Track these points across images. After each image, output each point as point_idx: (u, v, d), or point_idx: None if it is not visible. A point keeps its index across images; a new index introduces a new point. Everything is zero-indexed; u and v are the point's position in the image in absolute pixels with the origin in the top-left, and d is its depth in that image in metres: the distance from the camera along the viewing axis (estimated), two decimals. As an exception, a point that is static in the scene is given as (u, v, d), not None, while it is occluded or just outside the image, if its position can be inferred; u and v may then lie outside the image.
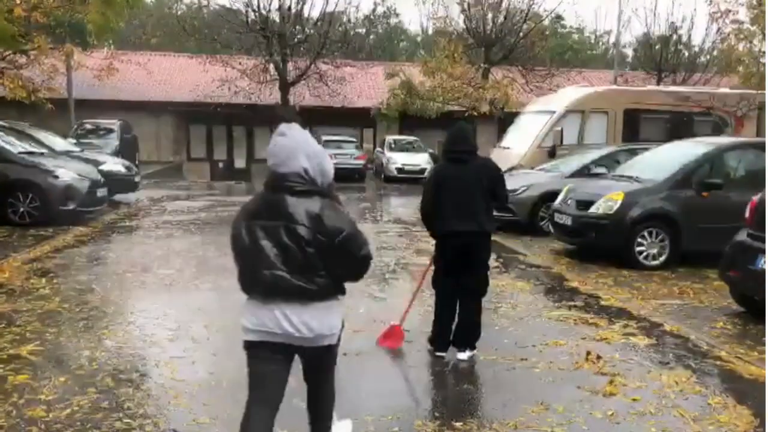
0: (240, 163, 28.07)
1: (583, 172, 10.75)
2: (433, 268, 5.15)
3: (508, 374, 4.64)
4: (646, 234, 8.17)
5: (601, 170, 10.61)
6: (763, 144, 8.53)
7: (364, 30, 40.66)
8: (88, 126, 18.97)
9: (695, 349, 5.25)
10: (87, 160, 12.57)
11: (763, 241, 5.69)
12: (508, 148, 14.56)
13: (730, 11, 23.85)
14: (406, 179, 21.42)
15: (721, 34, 24.75)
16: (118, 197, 13.81)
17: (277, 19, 24.14)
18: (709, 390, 4.38)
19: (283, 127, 2.93)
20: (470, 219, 4.77)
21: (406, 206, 15.79)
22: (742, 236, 6.05)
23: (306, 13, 24.24)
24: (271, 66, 23.69)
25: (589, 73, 26.14)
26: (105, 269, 7.69)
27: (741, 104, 13.48)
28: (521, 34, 23.94)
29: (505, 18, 24.04)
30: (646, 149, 10.51)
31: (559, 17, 36.23)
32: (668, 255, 8.20)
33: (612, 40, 44.64)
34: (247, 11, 23.61)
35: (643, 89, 16.60)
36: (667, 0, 49.07)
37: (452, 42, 22.32)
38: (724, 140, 9.13)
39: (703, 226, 8.09)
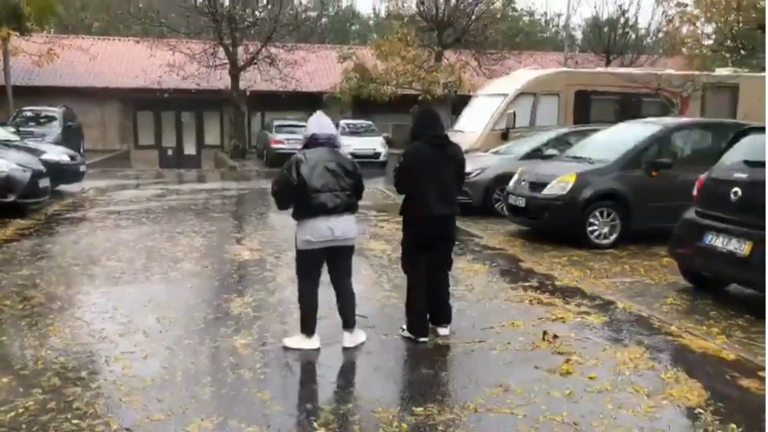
0: (190, 149, 27.45)
1: (536, 155, 10.86)
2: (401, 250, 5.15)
3: (466, 357, 4.65)
4: (597, 214, 8.33)
5: (553, 152, 10.73)
6: (708, 124, 8.77)
7: (315, 13, 40.14)
8: (28, 113, 18.19)
9: (647, 325, 5.37)
10: (28, 150, 12.02)
11: (711, 219, 5.84)
12: (461, 131, 14.59)
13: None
14: (360, 163, 21.14)
15: (667, 16, 25.55)
16: (62, 188, 13.29)
17: (227, 2, 23.56)
18: (661, 365, 4.49)
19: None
20: (450, 202, 4.92)
21: (361, 191, 15.72)
22: (690, 214, 6.20)
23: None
24: (221, 50, 23.12)
25: (540, 55, 26.45)
26: (49, 263, 7.38)
27: (687, 85, 13.83)
28: (473, 16, 23.98)
29: (457, 0, 24.04)
30: (596, 131, 10.70)
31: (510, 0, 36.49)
32: (619, 234, 8.38)
33: (562, 23, 45.30)
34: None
35: (593, 71, 16.88)
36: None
37: (405, 25, 22.20)
38: (672, 121, 9.35)
39: (652, 205, 8.29)
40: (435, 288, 5.02)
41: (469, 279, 6.79)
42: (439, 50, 23.36)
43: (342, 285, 4.90)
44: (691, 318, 5.56)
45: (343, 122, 23.31)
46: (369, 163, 21.15)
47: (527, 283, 6.66)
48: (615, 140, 9.04)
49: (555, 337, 4.99)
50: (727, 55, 24.67)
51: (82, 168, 13.98)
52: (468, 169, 10.67)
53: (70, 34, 27.14)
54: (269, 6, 24.11)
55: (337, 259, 4.81)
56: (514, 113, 13.49)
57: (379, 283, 6.61)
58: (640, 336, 5.10)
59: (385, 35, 22.50)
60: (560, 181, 8.45)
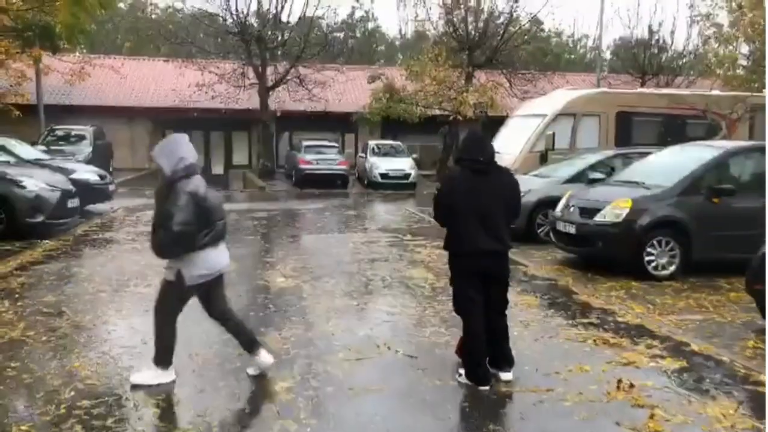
0: (218, 169, 27.31)
1: (580, 178, 10.34)
2: (452, 291, 4.65)
3: (536, 410, 4.12)
4: (655, 243, 7.76)
5: (599, 176, 10.20)
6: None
7: (342, 34, 40.21)
8: (59, 132, 18.19)
9: (732, 373, 4.80)
10: (57, 169, 11.82)
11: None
12: (498, 153, 14.05)
13: (710, 14, 24.02)
14: (390, 185, 20.92)
15: (702, 37, 24.89)
16: (90, 208, 13.06)
17: (255, 23, 23.52)
18: (763, 424, 3.92)
19: None
20: (495, 237, 4.36)
21: (392, 213, 15.29)
22: (770, 247, 5.63)
23: (284, 18, 23.67)
24: (250, 70, 23.03)
25: (572, 76, 25.93)
26: (76, 288, 7.02)
27: (736, 107, 13.23)
28: (504, 36, 23.62)
29: (486, 21, 23.71)
30: (643, 154, 10.19)
31: (538, 21, 36.17)
32: (678, 264, 7.80)
33: (590, 43, 44.81)
34: (224, 15, 22.98)
35: (636, 92, 16.34)
36: (649, 2, 49.51)
37: (436, 45, 21.90)
38: (731, 144, 8.77)
39: (714, 233, 7.73)
40: (493, 333, 4.52)
41: (522, 314, 6.26)
42: (470, 71, 22.99)
43: (231, 311, 4.67)
44: (780, 365, 4.97)
45: (372, 143, 23.02)
46: (399, 184, 20.81)
47: (586, 320, 6.12)
48: (670, 164, 8.49)
49: (631, 385, 4.45)
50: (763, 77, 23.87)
51: (111, 187, 13.76)
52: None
53: (100, 54, 27.36)
54: (297, 27, 24.02)
55: (218, 287, 4.52)
56: (554, 134, 13.00)
57: (425, 317, 6.11)
58: (728, 386, 4.54)
59: (416, 55, 22.20)
60: (614, 207, 7.91)
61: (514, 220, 4.71)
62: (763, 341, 5.54)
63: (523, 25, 24.65)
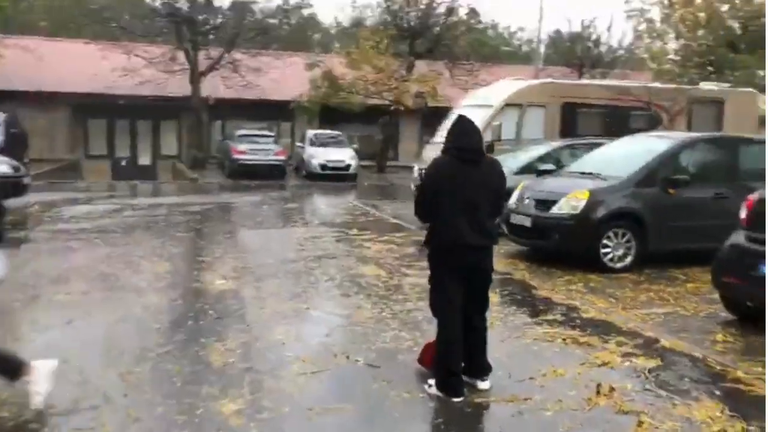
0: (145, 160, 25.90)
1: (529, 169, 10.13)
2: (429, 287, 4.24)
3: (518, 423, 3.75)
4: (612, 234, 7.59)
5: (548, 167, 10.02)
6: (723, 139, 8.19)
7: (277, 21, 39.06)
8: (-34, 120, 16.57)
9: (708, 370, 4.60)
10: (-37, 160, 10.66)
11: (764, 244, 5.13)
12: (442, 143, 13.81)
13: (643, 10, 24.62)
14: (330, 176, 20.35)
15: (636, 32, 25.52)
16: (2, 203, 11.88)
17: (186, 5, 22.32)
18: (751, 426, 3.69)
19: None
20: (482, 231, 4.00)
21: (335, 206, 14.77)
22: (738, 239, 5.48)
23: (217, 2, 22.63)
24: (180, 55, 21.86)
25: (511, 68, 25.97)
26: (-16, 296, 6.17)
27: (679, 99, 13.40)
28: (444, 27, 23.39)
29: (424, 10, 23.37)
30: (592, 145, 10.11)
31: (474, 12, 36.25)
32: (634, 256, 7.66)
33: (526, 36, 45.45)
34: (152, -6, 21.71)
35: (581, 83, 16.39)
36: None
37: (377, 32, 21.39)
38: (684, 135, 8.73)
39: (669, 224, 7.65)
40: (471, 334, 4.13)
41: (484, 312, 5.90)
42: (411, 60, 22.62)
43: None
44: (755, 360, 4.78)
45: (310, 132, 22.34)
46: (339, 175, 20.26)
47: (551, 317, 5.83)
48: (625, 155, 8.36)
49: (611, 389, 4.15)
50: (693, 71, 24.66)
51: (26, 180, 12.59)
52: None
53: (14, 34, 25.33)
54: (230, 12, 23.00)
55: None
56: (501, 125, 12.77)
57: (383, 320, 5.66)
58: (706, 385, 4.32)
59: (356, 43, 21.62)
60: (571, 198, 7.70)
61: (499, 214, 4.33)
62: (732, 335, 5.39)
63: (462, 16, 24.51)
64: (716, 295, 6.51)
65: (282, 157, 21.04)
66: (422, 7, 23.38)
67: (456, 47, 23.33)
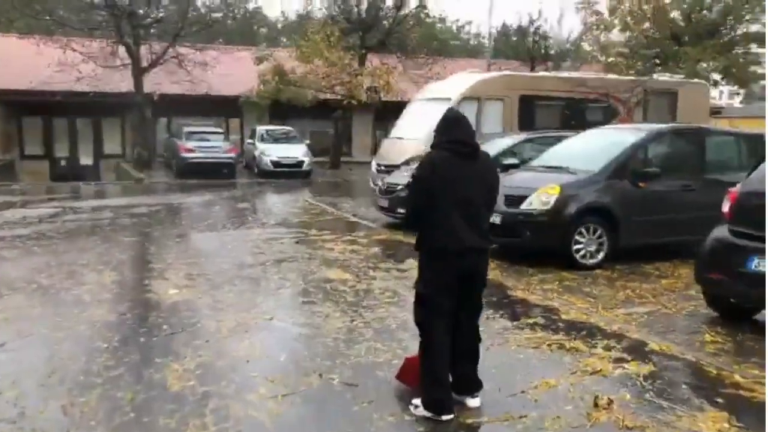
0: (86, 160, 24.61)
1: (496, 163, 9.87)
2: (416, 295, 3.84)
3: (518, 446, 3.41)
4: (584, 230, 7.37)
5: (513, 161, 9.80)
6: (691, 130, 8.10)
7: (221, 14, 37.90)
8: None
9: (703, 374, 4.38)
10: None
11: (752, 239, 4.95)
12: (401, 138, 13.46)
13: (591, 2, 24.82)
14: (283, 173, 19.73)
15: (585, 24, 25.72)
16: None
17: (126, -1, 21.26)
18: (764, 438, 3.45)
19: None
20: (480, 232, 3.66)
21: (290, 205, 14.22)
22: (721, 233, 5.29)
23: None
24: (122, 49, 20.77)
25: (463, 62, 25.83)
26: None
27: (636, 91, 13.42)
28: (396, 18, 23.01)
29: (372, 3, 22.87)
30: (553, 138, 9.96)
31: (422, 5, 36.06)
32: (606, 252, 7.47)
33: (474, 30, 45.63)
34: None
35: (539, 75, 16.29)
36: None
37: (328, 25, 20.82)
38: (653, 127, 8.59)
39: (640, 218, 7.50)
40: (461, 344, 3.77)
41: (461, 317, 5.56)
42: (363, 53, 22.15)
43: None
44: (749, 362, 4.59)
45: (261, 128, 21.64)
46: (293, 173, 19.67)
47: (531, 320, 5.54)
48: (593, 148, 8.17)
49: (610, 402, 3.86)
50: (639, 64, 25.03)
51: (-46, 184, 11.62)
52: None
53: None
54: (172, 6, 22.03)
55: None
56: (460, 119, 12.47)
57: (355, 330, 5.24)
58: (707, 392, 4.08)
59: (306, 35, 20.97)
60: (541, 194, 7.44)
61: (491, 212, 3.99)
62: (719, 334, 5.21)
63: (412, 10, 24.16)
64: (693, 291, 6.42)
65: (232, 155, 20.29)
66: (368, 0, 22.92)
67: (408, 40, 22.97)
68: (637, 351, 4.77)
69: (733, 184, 7.25)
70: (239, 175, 20.68)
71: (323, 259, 7.98)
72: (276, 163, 19.83)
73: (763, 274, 4.73)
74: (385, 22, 22.90)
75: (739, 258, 5.00)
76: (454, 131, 3.67)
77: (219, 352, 4.72)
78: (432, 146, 3.74)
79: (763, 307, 5.16)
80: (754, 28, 23.89)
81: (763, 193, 4.91)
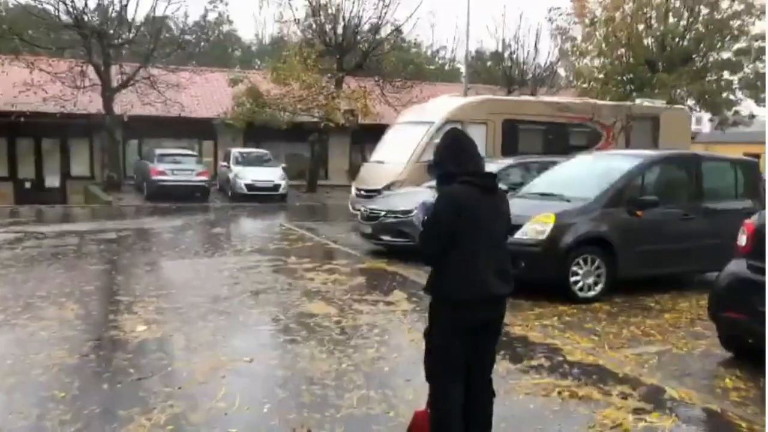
0: (53, 181, 23.72)
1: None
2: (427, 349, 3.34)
3: None
4: (581, 261, 7.00)
5: (502, 187, 9.44)
6: (686, 156, 7.85)
7: (194, 36, 37.45)
8: None
9: (732, 428, 3.98)
10: None
11: (772, 275, 4.61)
12: (382, 162, 13.08)
13: (566, 29, 25.03)
14: (258, 196, 19.18)
15: (561, 50, 25.90)
16: None
17: (96, 17, 20.66)
18: None
19: None
20: (505, 276, 3.22)
21: (266, 230, 13.69)
22: (738, 268, 4.95)
23: (130, 16, 21.11)
24: (91, 69, 20.13)
25: (441, 86, 25.69)
26: None
27: (619, 116, 13.29)
28: (371, 44, 22.80)
29: (347, 27, 22.61)
30: (535, 163, 9.72)
31: (398, 30, 36.07)
32: (605, 284, 7.11)
33: (448, 55, 45.84)
34: (57, 5, 19.87)
35: (521, 99, 16.12)
36: (513, 16, 52.47)
37: (305, 48, 20.47)
38: (649, 153, 8.34)
39: (638, 249, 7.16)
40: (474, 407, 3.31)
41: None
42: (341, 76, 21.85)
43: None
44: (778, 411, 4.22)
45: (235, 151, 21.11)
46: (268, 196, 19.14)
47: (535, 362, 5.11)
48: (587, 175, 7.87)
49: (639, 462, 3.43)
50: (614, 90, 25.19)
51: None
52: (407, 206, 9.26)
53: None
54: (142, 29, 21.51)
55: None
56: (443, 143, 12.16)
57: (344, 374, 4.73)
58: (740, 448, 3.68)
59: (282, 57, 20.58)
60: (536, 222, 7.06)
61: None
62: (741, 379, 4.83)
63: (388, 35, 24.00)
64: (699, 328, 6.12)
65: (205, 178, 19.70)
66: (345, 24, 22.67)
67: (385, 63, 22.75)
68: (655, 399, 4.36)
69: (732, 213, 7.01)
70: (212, 198, 20.09)
71: (304, 290, 7.47)
72: (250, 186, 19.28)
73: (787, 314, 4.38)
74: (360, 45, 22.62)
75: (759, 296, 4.64)
76: (464, 160, 3.21)
77: (193, 401, 4.18)
78: (442, 175, 3.26)
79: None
80: (725, 55, 24.33)
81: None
